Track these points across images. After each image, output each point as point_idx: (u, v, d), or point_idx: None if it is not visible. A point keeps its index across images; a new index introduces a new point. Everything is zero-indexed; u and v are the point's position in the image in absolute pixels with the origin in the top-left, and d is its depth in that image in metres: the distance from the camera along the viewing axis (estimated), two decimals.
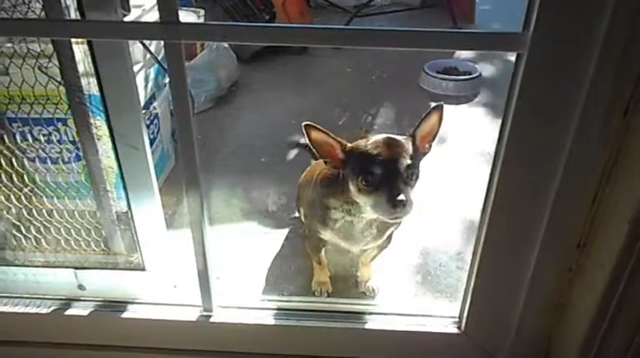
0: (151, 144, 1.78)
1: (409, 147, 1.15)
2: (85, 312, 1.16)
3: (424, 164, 1.18)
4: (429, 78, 2.80)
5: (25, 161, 1.31)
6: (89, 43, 0.91)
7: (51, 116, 1.27)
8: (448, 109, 2.86)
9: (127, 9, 1.50)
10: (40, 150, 1.36)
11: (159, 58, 1.81)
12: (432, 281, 1.52)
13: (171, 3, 0.79)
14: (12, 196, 1.23)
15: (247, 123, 2.50)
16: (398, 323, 1.14)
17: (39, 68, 1.16)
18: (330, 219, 1.29)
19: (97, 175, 1.13)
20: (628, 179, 0.83)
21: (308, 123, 1.12)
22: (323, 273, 1.51)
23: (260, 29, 0.87)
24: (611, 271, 0.87)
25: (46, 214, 1.24)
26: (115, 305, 1.17)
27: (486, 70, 2.88)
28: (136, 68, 1.65)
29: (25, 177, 1.27)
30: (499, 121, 0.88)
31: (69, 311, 1.16)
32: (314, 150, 1.17)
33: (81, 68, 1.02)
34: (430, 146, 1.20)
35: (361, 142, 1.17)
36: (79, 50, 1.00)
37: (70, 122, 1.30)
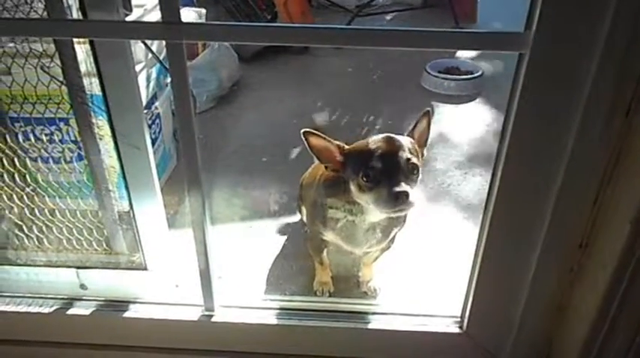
0: (153, 143, 1.78)
1: (408, 144, 1.15)
2: (87, 312, 1.16)
3: (425, 164, 1.18)
4: (431, 77, 2.80)
5: (28, 161, 1.31)
6: (91, 43, 0.91)
7: (53, 116, 1.27)
8: (450, 109, 2.87)
9: (129, 9, 1.49)
10: (43, 150, 1.36)
11: (160, 58, 1.82)
12: (434, 281, 1.52)
13: (172, 3, 0.80)
14: (14, 196, 1.23)
15: (249, 123, 2.50)
16: (400, 323, 1.14)
17: (41, 68, 1.16)
18: (332, 220, 1.29)
19: (99, 175, 1.13)
20: (630, 179, 0.82)
21: (307, 129, 1.14)
22: (325, 273, 1.51)
23: (261, 29, 0.87)
24: (613, 272, 0.87)
25: (48, 214, 1.24)
26: (117, 305, 1.17)
27: (488, 69, 2.88)
28: (137, 68, 1.66)
29: (28, 176, 1.27)
30: (501, 121, 0.88)
31: (71, 311, 1.16)
32: (314, 156, 1.18)
33: (83, 68, 1.02)
34: (423, 153, 1.21)
35: (359, 142, 1.18)
36: (81, 50, 1.00)
37: (72, 122, 1.30)
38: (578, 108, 0.81)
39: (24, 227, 1.23)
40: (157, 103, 1.85)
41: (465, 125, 2.47)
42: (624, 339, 0.93)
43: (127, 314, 1.15)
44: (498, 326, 1.08)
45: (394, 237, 1.38)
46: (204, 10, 2.61)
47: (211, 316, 1.14)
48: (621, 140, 0.82)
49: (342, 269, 1.59)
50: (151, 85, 1.82)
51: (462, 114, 2.59)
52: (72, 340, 1.18)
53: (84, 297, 1.19)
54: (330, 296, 1.49)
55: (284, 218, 1.82)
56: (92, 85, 1.03)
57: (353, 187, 1.16)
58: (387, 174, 1.10)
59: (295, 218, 1.79)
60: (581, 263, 0.96)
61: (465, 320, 1.10)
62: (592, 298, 0.93)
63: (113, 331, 1.18)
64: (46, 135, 1.35)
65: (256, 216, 1.84)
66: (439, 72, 2.82)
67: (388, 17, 3.99)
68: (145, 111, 1.74)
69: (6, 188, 1.22)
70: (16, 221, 1.24)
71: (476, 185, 1.99)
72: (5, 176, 1.21)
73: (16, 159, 1.23)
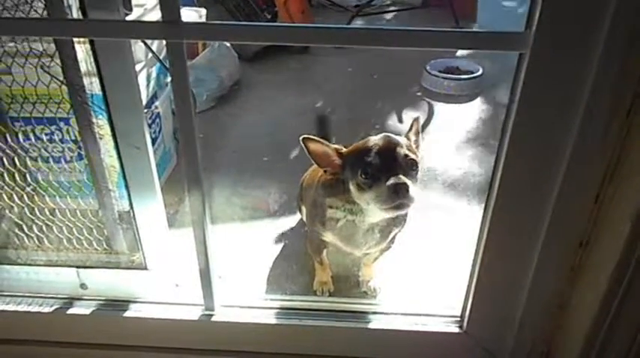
0: (153, 143, 1.78)
1: (406, 142, 1.16)
2: (87, 311, 1.16)
3: (426, 164, 1.19)
4: (431, 77, 2.80)
5: (28, 160, 1.31)
6: (91, 43, 0.92)
7: (53, 115, 1.27)
8: (450, 108, 2.87)
9: (129, 8, 1.49)
10: (43, 150, 1.36)
11: (161, 57, 1.81)
12: (434, 281, 1.52)
13: (173, 2, 0.79)
14: (14, 195, 1.23)
15: (249, 123, 2.50)
16: (399, 323, 1.14)
17: (41, 67, 1.16)
18: (332, 220, 1.28)
19: (99, 174, 1.13)
20: (630, 178, 0.82)
21: (305, 136, 1.14)
22: (325, 273, 1.51)
23: (262, 28, 0.87)
24: (614, 270, 0.87)
25: (48, 213, 1.24)
26: (117, 304, 1.17)
27: (488, 68, 2.88)
28: (137, 67, 1.65)
29: (28, 176, 1.27)
30: (501, 120, 0.88)
31: (71, 310, 1.16)
32: (313, 161, 1.18)
33: (83, 67, 1.02)
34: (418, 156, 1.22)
35: (357, 144, 1.18)
36: (82, 49, 1.00)
37: (73, 121, 1.30)
38: (578, 107, 0.81)
39: (24, 226, 1.23)
40: (157, 103, 1.85)
41: (465, 125, 2.47)
42: (625, 338, 0.93)
43: (127, 314, 1.15)
44: (498, 326, 1.08)
45: (394, 237, 1.38)
46: (204, 10, 2.61)
47: (211, 315, 1.14)
48: (622, 139, 0.82)
49: (342, 269, 1.59)
50: (151, 84, 1.82)
51: (462, 114, 2.59)
52: (72, 339, 1.18)
53: (84, 297, 1.19)
54: (330, 295, 1.49)
55: (284, 218, 1.82)
56: (92, 85, 1.03)
57: (352, 188, 1.16)
58: (385, 170, 1.10)
59: (295, 218, 1.79)
60: (582, 261, 0.96)
61: (465, 320, 1.10)
62: (592, 297, 0.93)
63: (113, 330, 1.18)
64: (46, 134, 1.35)
65: (256, 215, 1.84)
66: (439, 71, 2.82)
67: (388, 17, 3.99)
68: (145, 110, 1.74)
69: (6, 187, 1.22)
70: (17, 220, 1.24)
71: (476, 185, 1.99)
72: (5, 175, 1.21)
73: (16, 159, 1.23)
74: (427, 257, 1.63)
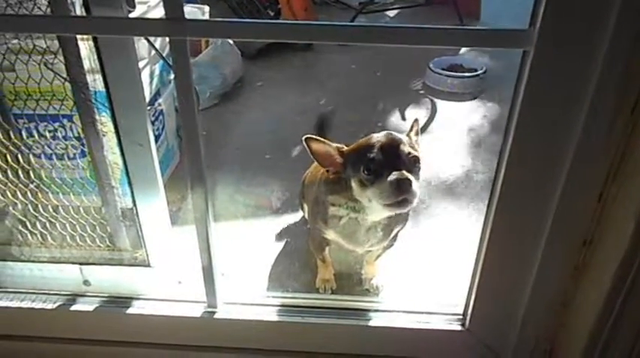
0: (156, 140, 1.78)
1: (408, 140, 1.16)
2: (90, 308, 1.16)
3: (427, 164, 1.19)
4: (435, 75, 2.79)
5: (31, 157, 1.32)
6: (95, 40, 0.92)
7: (56, 112, 1.27)
8: (453, 106, 2.87)
9: (132, 5, 1.50)
10: (46, 147, 1.37)
11: (164, 55, 1.81)
12: (436, 279, 1.51)
13: None
14: (18, 192, 1.23)
15: (252, 120, 2.50)
16: (402, 321, 1.14)
17: (45, 64, 1.16)
18: (334, 218, 1.28)
19: (102, 171, 1.13)
20: (634, 176, 0.82)
21: (308, 136, 1.15)
22: (327, 271, 1.51)
23: (265, 26, 0.87)
24: (617, 269, 0.86)
25: (51, 210, 1.25)
26: (120, 301, 1.17)
27: (492, 66, 2.87)
28: (141, 64, 1.66)
29: (31, 173, 1.27)
30: (505, 118, 0.88)
31: (74, 307, 1.16)
32: (315, 161, 1.18)
33: (86, 64, 1.02)
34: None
35: (359, 141, 1.18)
36: (85, 46, 1.00)
37: (76, 118, 1.30)
38: (583, 105, 0.80)
39: (27, 223, 1.23)
40: (160, 100, 1.85)
41: (469, 123, 2.46)
42: (629, 336, 0.93)
43: (130, 311, 1.16)
44: (501, 324, 1.08)
45: (396, 235, 1.38)
46: (207, 7, 2.61)
47: (214, 313, 1.14)
48: (626, 137, 0.82)
49: (345, 267, 1.59)
50: (155, 81, 1.83)
51: (465, 112, 2.58)
52: (75, 336, 1.19)
53: (87, 293, 1.19)
54: (332, 293, 1.49)
55: (286, 215, 1.82)
56: (96, 82, 1.03)
57: (355, 185, 1.16)
58: (388, 166, 1.10)
59: (298, 215, 1.79)
60: (586, 260, 0.96)
61: (468, 318, 1.10)
62: (596, 295, 0.92)
63: (116, 327, 1.18)
64: (49, 131, 1.35)
65: (259, 213, 1.84)
66: (443, 69, 2.81)
67: (391, 14, 3.98)
68: (148, 107, 1.74)
69: (10, 184, 1.22)
70: (20, 217, 1.24)
71: (479, 182, 1.99)
72: (9, 172, 1.21)
73: (19, 156, 1.23)
74: (429, 254, 1.63)
